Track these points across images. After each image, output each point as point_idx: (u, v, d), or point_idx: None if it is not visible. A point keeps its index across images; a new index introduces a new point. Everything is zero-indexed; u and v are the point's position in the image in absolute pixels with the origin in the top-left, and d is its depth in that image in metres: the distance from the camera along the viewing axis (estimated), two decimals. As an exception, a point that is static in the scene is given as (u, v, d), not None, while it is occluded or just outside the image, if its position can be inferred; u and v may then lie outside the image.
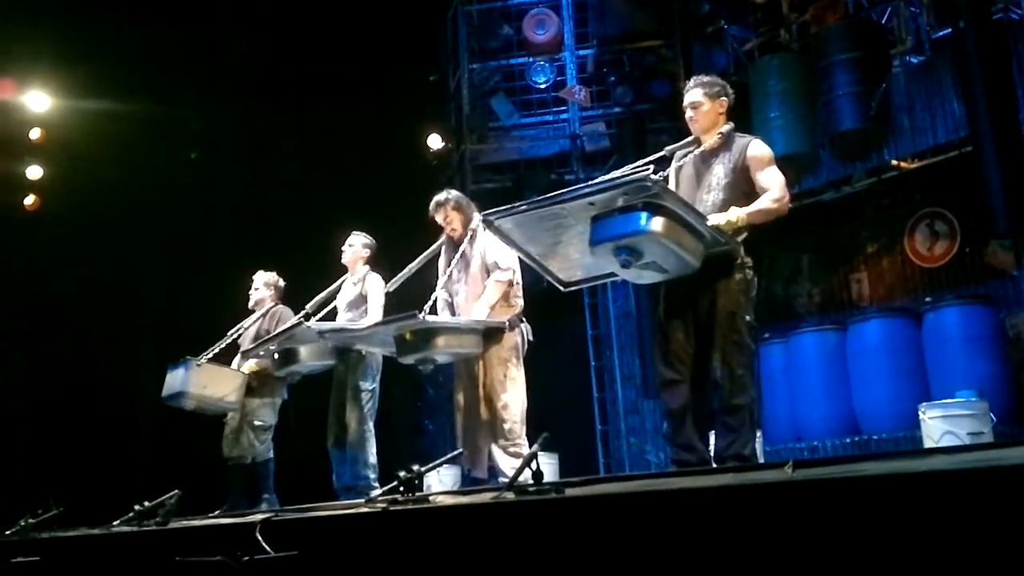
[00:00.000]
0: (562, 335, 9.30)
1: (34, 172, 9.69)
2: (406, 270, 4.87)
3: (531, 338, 4.76)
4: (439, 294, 4.82)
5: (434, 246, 4.95)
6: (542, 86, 10.42)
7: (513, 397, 4.55)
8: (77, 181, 9.41)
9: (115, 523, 4.21)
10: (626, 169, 3.77)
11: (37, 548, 4.19)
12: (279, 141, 10.29)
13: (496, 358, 4.59)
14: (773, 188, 3.75)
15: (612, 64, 10.09)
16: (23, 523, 4.65)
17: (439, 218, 4.89)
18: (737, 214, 3.60)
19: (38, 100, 9.44)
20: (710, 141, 3.91)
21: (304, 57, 10.00)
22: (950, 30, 7.51)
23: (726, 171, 3.84)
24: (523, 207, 3.62)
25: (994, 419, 6.15)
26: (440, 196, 4.93)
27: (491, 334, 4.59)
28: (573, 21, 10.44)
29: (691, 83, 4.05)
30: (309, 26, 9.92)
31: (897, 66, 7.87)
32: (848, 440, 7.79)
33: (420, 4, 10.59)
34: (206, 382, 5.64)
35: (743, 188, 3.80)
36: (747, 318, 3.75)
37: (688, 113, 3.98)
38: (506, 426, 4.50)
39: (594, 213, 3.41)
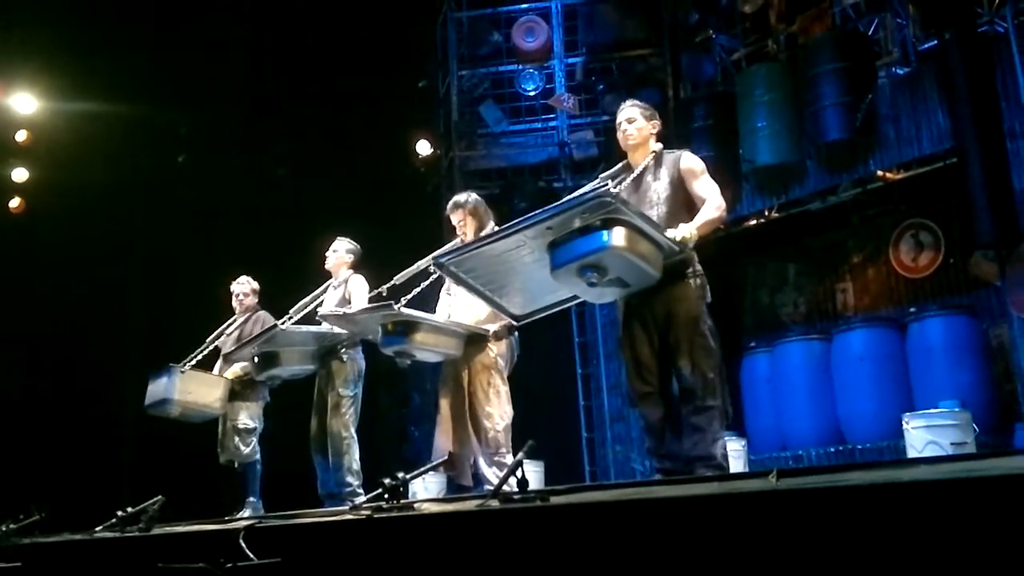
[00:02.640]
0: (549, 343, 9.30)
1: (19, 175, 9.64)
2: (413, 267, 4.79)
3: (518, 351, 4.74)
4: (443, 297, 4.84)
5: (446, 247, 4.87)
6: (531, 93, 10.45)
7: (497, 407, 4.52)
8: (63, 184, 9.36)
9: (97, 529, 4.19)
10: (572, 196, 3.83)
11: (19, 554, 4.16)
12: (268, 145, 10.27)
13: (480, 365, 4.56)
14: (712, 196, 3.82)
15: (601, 72, 10.13)
16: (4, 529, 4.61)
17: (455, 219, 4.84)
18: (690, 230, 3.63)
19: (24, 102, 9.39)
20: (644, 162, 4.01)
21: (294, 62, 9.99)
22: (936, 42, 7.56)
23: (663, 186, 3.93)
24: (476, 244, 3.66)
25: (977, 429, 6.18)
26: (460, 197, 4.91)
27: (475, 340, 4.57)
28: (562, 29, 10.47)
29: (626, 103, 4.21)
30: (299, 31, 9.92)
31: (883, 77, 7.92)
32: (832, 449, 7.83)
33: (410, 10, 10.60)
34: (191, 388, 5.61)
35: (682, 199, 3.89)
36: (708, 322, 3.80)
37: (623, 127, 4.09)
38: (489, 435, 4.47)
39: (551, 239, 3.41)
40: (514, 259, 3.61)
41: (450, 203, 4.90)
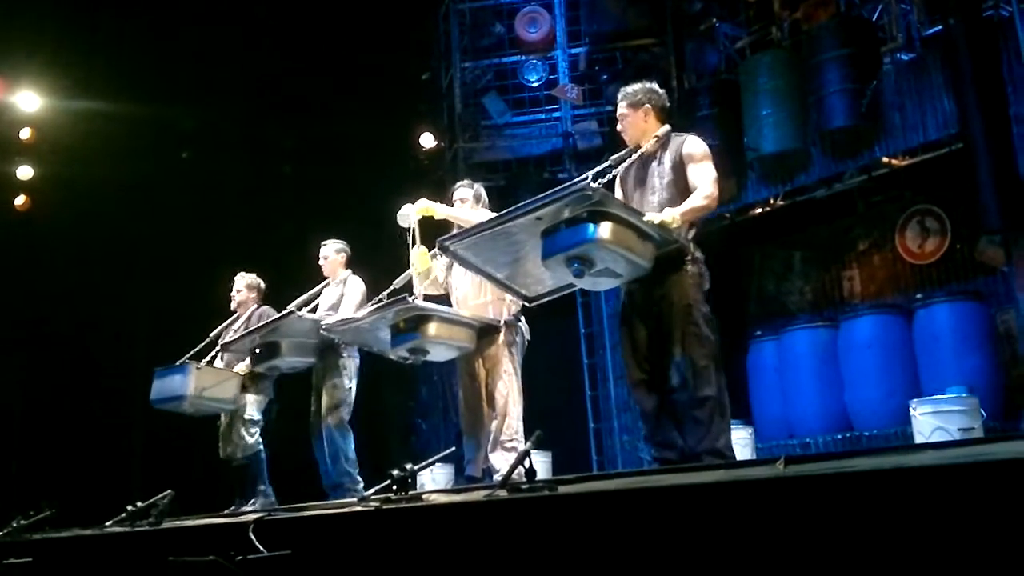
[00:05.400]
0: (555, 333, 9.30)
1: (25, 172, 9.66)
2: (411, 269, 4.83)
3: (529, 337, 4.76)
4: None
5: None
6: (534, 84, 10.42)
7: (510, 396, 4.55)
8: (68, 181, 9.38)
9: (108, 524, 4.21)
10: (556, 188, 3.83)
11: (30, 549, 4.18)
12: (271, 140, 10.27)
13: (493, 356, 4.60)
14: (704, 185, 3.79)
15: (604, 62, 10.10)
16: (15, 524, 4.64)
17: (461, 192, 4.98)
18: (671, 214, 3.62)
19: (29, 100, 9.41)
20: (647, 145, 3.98)
21: (296, 56, 9.98)
22: (940, 28, 7.52)
23: (665, 171, 3.91)
24: (474, 231, 3.68)
25: (984, 415, 6.18)
26: (464, 182, 5.11)
27: (486, 331, 4.60)
28: (565, 19, 10.42)
29: (618, 95, 4.14)
30: (301, 25, 9.91)
31: (888, 64, 7.88)
32: (840, 436, 7.83)
33: (412, 3, 10.58)
34: (207, 384, 5.59)
35: (683, 185, 3.86)
36: (703, 310, 3.78)
37: (618, 125, 4.09)
38: (504, 424, 4.51)
39: (543, 228, 3.43)
40: (516, 244, 3.62)
41: (458, 183, 5.10)
